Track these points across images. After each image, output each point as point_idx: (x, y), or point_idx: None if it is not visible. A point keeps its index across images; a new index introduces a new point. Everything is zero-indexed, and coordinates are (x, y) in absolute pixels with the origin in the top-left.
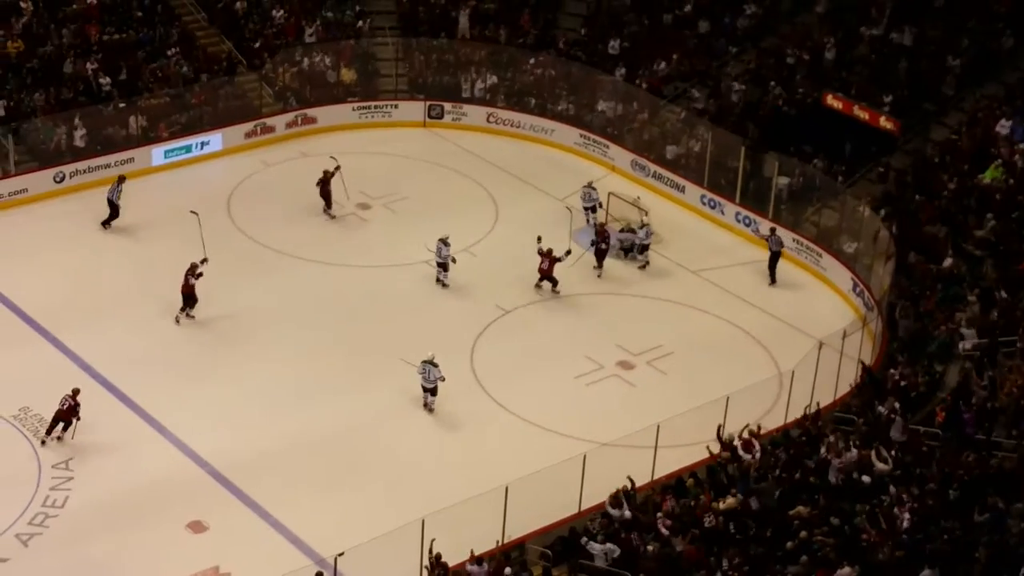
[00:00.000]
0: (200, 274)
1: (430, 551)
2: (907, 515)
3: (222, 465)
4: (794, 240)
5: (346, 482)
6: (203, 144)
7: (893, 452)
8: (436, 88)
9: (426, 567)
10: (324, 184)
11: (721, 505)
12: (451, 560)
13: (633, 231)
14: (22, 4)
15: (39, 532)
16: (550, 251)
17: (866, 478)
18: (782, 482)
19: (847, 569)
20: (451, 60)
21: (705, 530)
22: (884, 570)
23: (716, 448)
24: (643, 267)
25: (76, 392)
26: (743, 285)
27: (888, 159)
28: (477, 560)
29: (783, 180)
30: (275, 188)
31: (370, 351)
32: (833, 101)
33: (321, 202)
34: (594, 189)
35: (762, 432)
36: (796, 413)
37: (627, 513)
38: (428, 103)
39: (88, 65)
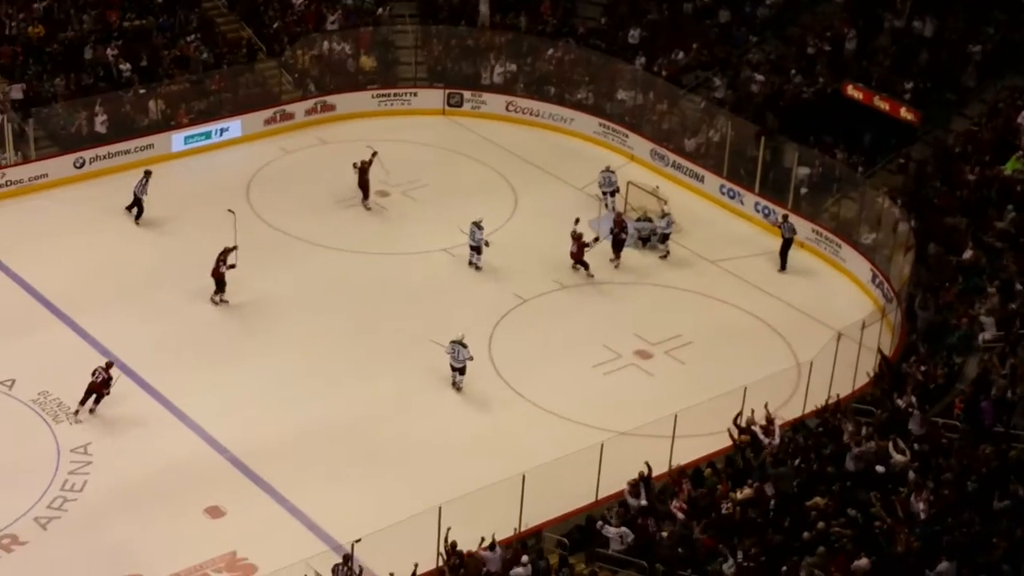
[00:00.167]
0: (232, 265)
1: (446, 539)
2: (922, 504)
3: (240, 451)
4: (813, 230)
5: (364, 469)
6: (222, 131)
7: (914, 445)
8: (455, 76)
9: (442, 554)
10: (362, 174)
11: (739, 495)
12: (467, 548)
13: (650, 219)
14: None
15: (58, 516)
16: (580, 235)
17: (880, 468)
18: (800, 472)
19: (864, 560)
20: (471, 46)
21: (721, 517)
22: (901, 562)
23: (736, 433)
24: (664, 256)
25: (109, 365)
26: (762, 275)
27: (908, 150)
28: (491, 546)
29: (803, 170)
30: (294, 175)
31: (387, 339)
32: (853, 91)
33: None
34: (613, 172)
35: (780, 423)
36: (814, 404)
37: (644, 501)
38: (447, 91)
39: (108, 51)
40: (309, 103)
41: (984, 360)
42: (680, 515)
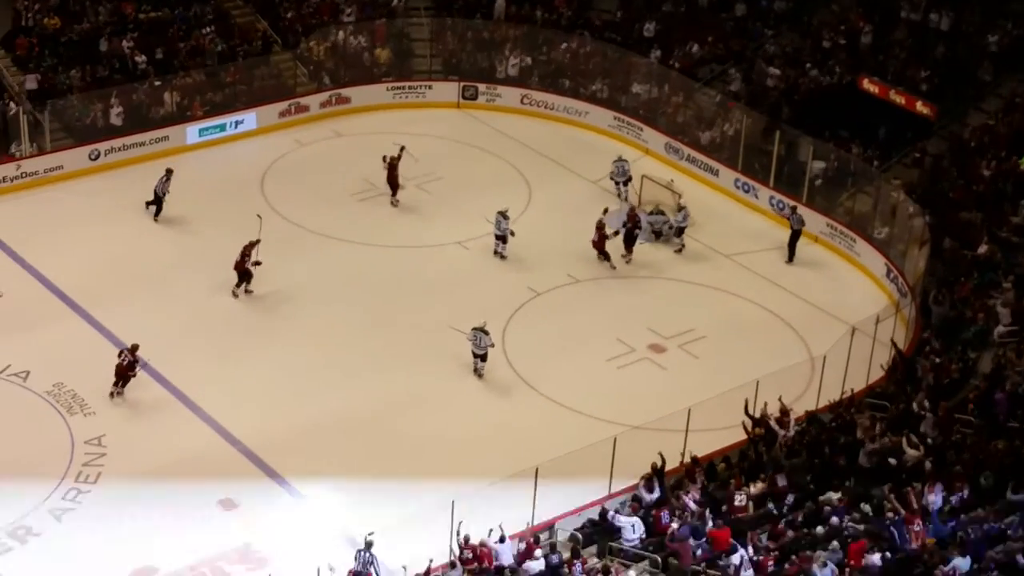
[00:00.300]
0: (258, 262)
1: (458, 533)
2: (932, 496)
3: (254, 443)
4: (828, 224)
5: (377, 462)
6: (237, 123)
7: (928, 440)
8: (470, 69)
9: (454, 548)
10: (391, 170)
11: (752, 490)
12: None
13: (663, 213)
14: None
15: (72, 508)
16: (603, 225)
17: (892, 460)
18: (813, 467)
19: (877, 555)
20: (486, 39)
21: (734, 508)
22: (915, 558)
23: (749, 425)
24: (679, 251)
25: (135, 348)
26: (776, 269)
27: (924, 144)
28: (500, 538)
29: (819, 164)
30: (309, 167)
31: (401, 332)
32: (869, 85)
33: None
34: (625, 161)
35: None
36: (827, 398)
37: (656, 494)
38: (462, 84)
39: (124, 43)
40: (324, 95)
41: (998, 355)
42: (693, 505)
